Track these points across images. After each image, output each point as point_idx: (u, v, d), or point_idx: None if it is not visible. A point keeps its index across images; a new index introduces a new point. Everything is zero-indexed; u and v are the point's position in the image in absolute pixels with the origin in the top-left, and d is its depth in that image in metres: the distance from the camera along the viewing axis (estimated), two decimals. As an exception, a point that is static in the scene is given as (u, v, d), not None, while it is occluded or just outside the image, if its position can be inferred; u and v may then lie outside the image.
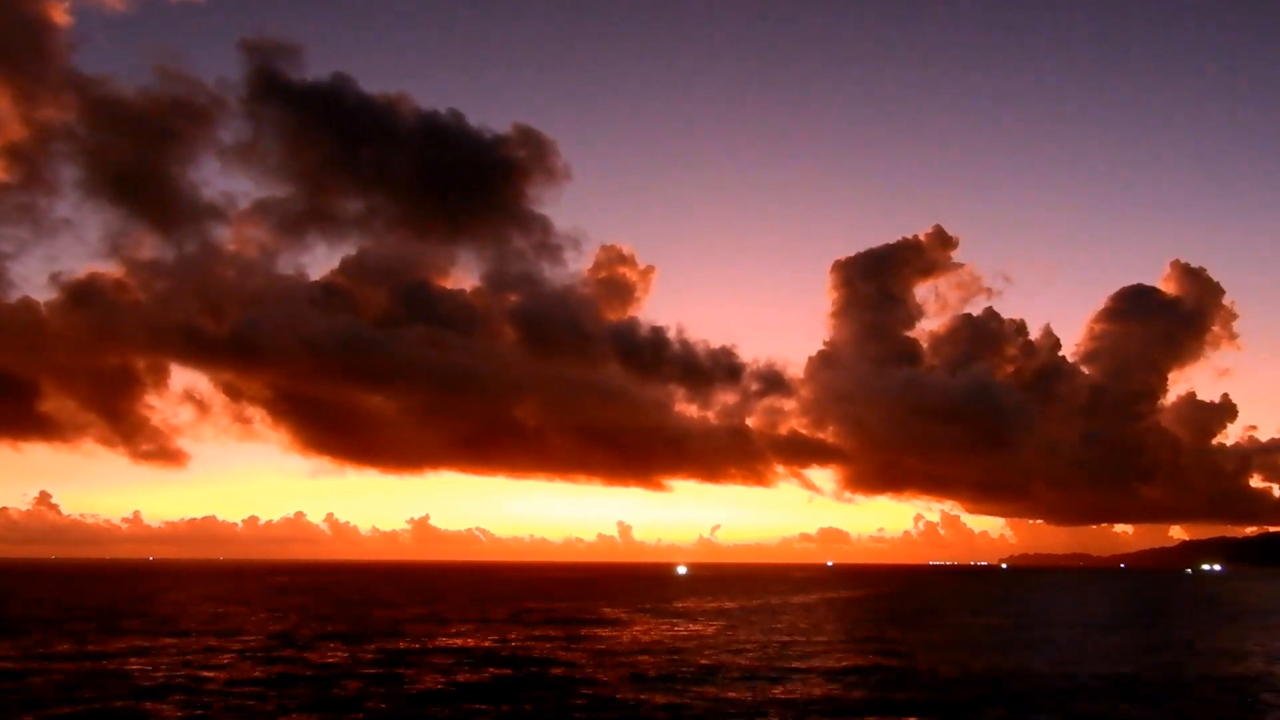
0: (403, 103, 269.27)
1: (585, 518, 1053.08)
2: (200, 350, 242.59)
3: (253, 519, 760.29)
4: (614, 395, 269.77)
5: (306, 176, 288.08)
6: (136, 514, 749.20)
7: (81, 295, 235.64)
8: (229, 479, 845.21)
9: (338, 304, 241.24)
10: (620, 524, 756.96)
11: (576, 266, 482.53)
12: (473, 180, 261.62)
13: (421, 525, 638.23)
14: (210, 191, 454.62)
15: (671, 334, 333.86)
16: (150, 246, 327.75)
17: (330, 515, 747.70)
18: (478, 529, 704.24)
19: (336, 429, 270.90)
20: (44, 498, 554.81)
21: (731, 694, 30.92)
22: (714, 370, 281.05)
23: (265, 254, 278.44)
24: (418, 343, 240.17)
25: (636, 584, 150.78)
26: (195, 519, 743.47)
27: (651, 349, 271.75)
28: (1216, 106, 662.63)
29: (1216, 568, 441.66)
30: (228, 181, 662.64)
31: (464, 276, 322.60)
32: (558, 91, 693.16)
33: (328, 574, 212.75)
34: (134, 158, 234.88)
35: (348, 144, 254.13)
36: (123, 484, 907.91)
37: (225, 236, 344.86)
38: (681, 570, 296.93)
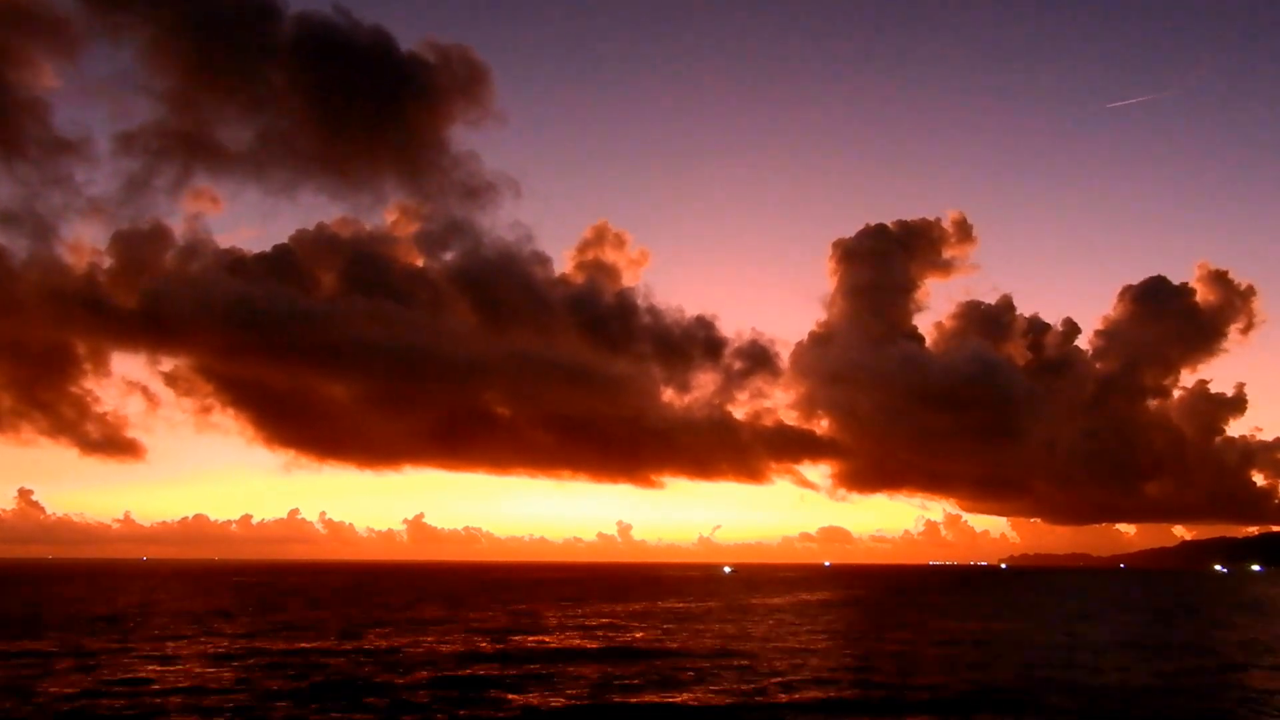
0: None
1: (583, 517, 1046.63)
2: (110, 325, 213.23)
3: (246, 518, 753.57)
4: (583, 375, 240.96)
5: (173, 98, 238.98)
6: (127, 514, 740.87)
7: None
8: (209, 477, 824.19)
9: (256, 268, 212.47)
10: (620, 524, 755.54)
11: (516, 216, 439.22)
12: (388, 103, 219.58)
13: (417, 525, 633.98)
14: (65, 123, 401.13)
15: (640, 300, 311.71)
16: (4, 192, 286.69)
17: (323, 514, 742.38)
18: (474, 528, 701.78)
19: (296, 419, 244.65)
20: (24, 495, 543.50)
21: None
22: (690, 344, 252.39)
23: (144, 200, 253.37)
24: (352, 310, 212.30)
25: (709, 584, 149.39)
26: (187, 518, 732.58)
27: (619, 317, 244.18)
28: (1236, 105, 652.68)
29: (1256, 568, 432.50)
30: (83, 111, 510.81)
31: (386, 222, 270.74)
32: (494, 11, 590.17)
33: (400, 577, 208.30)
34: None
35: (216, 50, 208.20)
36: (103, 483, 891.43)
37: (89, 179, 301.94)
38: (727, 570, 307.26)
